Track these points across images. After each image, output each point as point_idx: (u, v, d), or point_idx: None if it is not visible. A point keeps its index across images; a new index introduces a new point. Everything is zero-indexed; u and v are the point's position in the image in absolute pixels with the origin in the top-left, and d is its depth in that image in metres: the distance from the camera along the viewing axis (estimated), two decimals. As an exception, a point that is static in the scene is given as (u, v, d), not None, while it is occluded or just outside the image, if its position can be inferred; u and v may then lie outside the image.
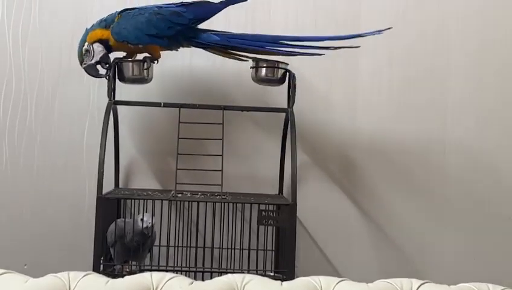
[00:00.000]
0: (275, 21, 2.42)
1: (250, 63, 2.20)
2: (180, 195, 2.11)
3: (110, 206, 2.10)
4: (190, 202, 2.21)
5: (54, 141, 2.39)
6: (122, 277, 1.63)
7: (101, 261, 2.01)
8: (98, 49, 2.11)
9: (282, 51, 2.17)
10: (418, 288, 1.64)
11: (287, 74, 2.18)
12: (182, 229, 2.28)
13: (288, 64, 2.19)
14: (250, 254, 2.20)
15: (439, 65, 2.44)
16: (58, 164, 2.39)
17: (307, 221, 2.39)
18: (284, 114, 2.20)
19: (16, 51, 2.39)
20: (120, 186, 2.35)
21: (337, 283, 1.64)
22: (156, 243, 2.20)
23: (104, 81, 2.15)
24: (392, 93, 2.44)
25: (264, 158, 2.39)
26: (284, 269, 2.04)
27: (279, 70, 2.18)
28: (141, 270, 2.05)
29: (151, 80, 2.17)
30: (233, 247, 2.23)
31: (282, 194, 2.33)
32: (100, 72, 2.15)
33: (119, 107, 2.24)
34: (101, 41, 2.10)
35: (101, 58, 2.12)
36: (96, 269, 1.94)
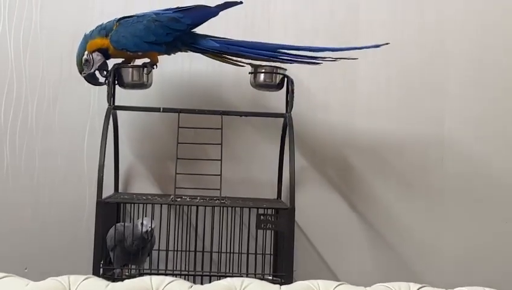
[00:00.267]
0: (274, 29, 2.43)
1: (249, 68, 2.22)
2: (179, 199, 2.12)
3: (109, 211, 2.11)
4: (189, 206, 2.22)
5: (55, 146, 2.40)
6: (122, 280, 1.64)
7: (101, 265, 2.02)
8: (97, 58, 2.12)
9: (280, 59, 2.18)
10: (415, 292, 1.65)
11: (285, 79, 2.19)
12: (181, 233, 2.28)
13: (286, 69, 2.21)
14: (248, 258, 2.21)
15: (437, 68, 2.45)
16: (59, 169, 2.40)
17: (305, 225, 2.40)
18: (282, 119, 2.21)
19: (17, 57, 2.40)
20: (120, 191, 2.36)
21: (336, 287, 1.65)
22: (156, 247, 2.21)
23: (104, 87, 2.16)
24: (390, 98, 2.44)
25: (262, 163, 2.40)
26: (283, 273, 2.05)
27: (278, 75, 2.19)
28: (141, 274, 2.07)
29: (150, 85, 2.18)
30: (232, 251, 2.23)
31: (280, 198, 2.34)
32: (100, 80, 2.17)
33: (119, 112, 2.25)
34: (100, 50, 2.12)
35: (99, 66, 2.14)
36: (96, 273, 1.95)
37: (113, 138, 2.27)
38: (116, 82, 2.15)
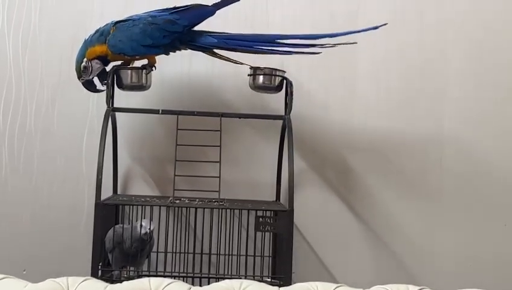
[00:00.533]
0: (273, 23, 2.43)
1: (247, 68, 2.21)
2: (178, 201, 2.12)
3: (108, 212, 2.11)
4: (188, 208, 2.22)
5: (53, 148, 2.40)
6: (121, 282, 1.64)
7: (100, 267, 2.02)
8: (96, 66, 2.13)
9: (279, 51, 2.16)
10: (414, 294, 1.65)
11: (284, 81, 2.19)
12: (180, 235, 2.28)
13: (285, 71, 2.21)
14: (247, 260, 2.21)
15: (436, 68, 2.45)
16: (58, 171, 2.40)
17: (304, 227, 2.40)
18: (281, 121, 2.22)
19: (15, 59, 2.40)
20: (118, 193, 2.36)
21: (334, 289, 1.65)
22: (154, 249, 2.21)
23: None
24: (389, 100, 2.45)
25: (261, 165, 2.40)
26: (281, 275, 2.05)
27: (277, 77, 2.20)
28: (139, 276, 2.07)
29: (149, 87, 2.18)
30: (230, 253, 2.23)
31: (279, 200, 2.34)
32: (98, 88, 2.18)
33: (118, 114, 2.25)
34: (99, 57, 2.12)
35: (98, 74, 2.14)
36: (94, 275, 1.95)
37: (111, 140, 2.27)
38: (115, 84, 2.15)
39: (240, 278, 1.73)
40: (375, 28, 2.13)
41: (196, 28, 2.16)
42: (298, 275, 2.26)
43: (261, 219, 2.02)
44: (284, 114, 2.19)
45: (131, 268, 2.13)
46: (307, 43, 2.15)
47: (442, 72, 2.45)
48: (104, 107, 2.12)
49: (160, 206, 2.13)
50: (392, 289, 1.67)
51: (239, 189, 2.36)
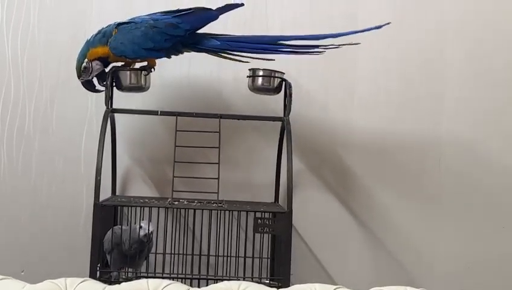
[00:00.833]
0: (272, 26, 2.43)
1: (247, 69, 2.21)
2: (176, 203, 2.12)
3: (107, 213, 2.11)
4: (186, 210, 2.22)
5: (52, 149, 2.40)
6: (119, 283, 1.64)
7: (98, 268, 2.02)
8: (96, 67, 2.13)
9: (281, 51, 2.16)
10: (412, 296, 1.66)
11: (283, 83, 2.20)
12: (179, 237, 2.28)
13: (284, 73, 2.21)
14: (246, 262, 2.21)
15: (435, 69, 2.45)
16: (56, 172, 2.40)
17: (302, 229, 2.40)
18: (280, 122, 2.22)
19: (14, 60, 2.40)
20: (117, 194, 2.36)
21: (333, 291, 1.65)
22: (153, 250, 2.21)
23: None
24: (388, 102, 2.45)
25: (260, 166, 2.40)
26: (280, 277, 2.05)
27: (276, 79, 2.20)
28: (138, 277, 2.06)
29: (148, 88, 2.18)
30: (229, 254, 2.23)
31: (278, 202, 2.34)
32: (96, 88, 2.18)
33: (117, 115, 2.25)
34: (100, 58, 2.12)
35: (98, 74, 2.15)
36: (93, 276, 1.95)
37: (110, 141, 2.27)
38: (114, 85, 2.15)
39: (239, 280, 1.73)
40: (378, 27, 2.13)
41: (198, 31, 2.16)
42: (297, 277, 2.27)
43: (259, 221, 2.02)
44: (283, 115, 2.19)
45: (130, 269, 2.13)
46: (309, 44, 2.15)
47: (442, 73, 2.45)
48: (103, 108, 2.12)
49: (158, 207, 2.14)
50: (391, 291, 1.67)
51: (238, 190, 2.36)
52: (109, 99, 2.13)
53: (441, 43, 2.46)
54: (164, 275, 2.09)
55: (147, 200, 2.20)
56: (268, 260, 2.29)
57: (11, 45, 2.40)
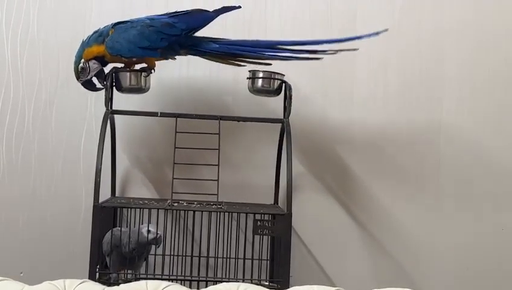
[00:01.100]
0: (271, 30, 2.43)
1: (247, 71, 2.21)
2: (176, 204, 2.12)
3: (106, 215, 2.11)
4: (186, 211, 2.22)
5: (51, 150, 2.40)
6: (118, 285, 1.64)
7: (97, 269, 2.02)
8: (94, 66, 2.13)
9: (280, 56, 2.17)
10: (412, 298, 1.65)
11: (283, 84, 2.19)
12: (178, 238, 2.28)
13: (284, 75, 2.21)
14: (245, 263, 2.21)
15: (433, 72, 2.45)
16: (55, 173, 2.40)
17: (302, 231, 2.40)
18: (280, 124, 2.21)
19: (14, 60, 2.40)
20: (116, 195, 2.35)
21: (332, 293, 1.65)
22: (152, 251, 2.20)
23: (101, 91, 2.16)
24: (388, 104, 2.45)
25: (259, 168, 2.40)
26: (279, 279, 2.05)
27: (276, 81, 2.20)
28: (137, 279, 2.06)
29: (148, 89, 2.18)
30: (228, 256, 2.23)
31: (277, 203, 2.34)
32: (97, 86, 2.17)
33: (116, 116, 2.25)
34: (97, 58, 2.12)
35: (96, 74, 2.14)
36: (92, 277, 1.95)
37: (110, 142, 2.27)
38: (114, 86, 2.15)
39: (238, 282, 1.73)
40: (377, 33, 2.14)
41: (197, 34, 2.17)
42: (296, 279, 2.27)
43: (259, 222, 2.02)
44: (282, 117, 2.18)
45: (129, 271, 2.12)
46: (308, 49, 2.16)
47: (441, 74, 2.45)
48: (103, 109, 2.12)
49: (158, 209, 2.14)
50: (390, 293, 1.67)
51: (237, 192, 2.35)
52: (109, 100, 2.13)
53: (440, 44, 2.46)
54: (163, 277, 2.08)
55: (146, 202, 2.20)
56: (268, 261, 2.28)
57: (10, 46, 2.40)
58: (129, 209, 2.25)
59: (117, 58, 2.13)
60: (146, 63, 2.16)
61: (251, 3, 2.43)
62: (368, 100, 2.44)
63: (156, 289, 1.60)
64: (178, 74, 2.38)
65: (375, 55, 2.43)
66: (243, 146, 2.42)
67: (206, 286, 1.84)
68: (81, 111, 2.40)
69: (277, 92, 2.21)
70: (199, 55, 2.22)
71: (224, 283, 1.68)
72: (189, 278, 2.14)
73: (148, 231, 2.04)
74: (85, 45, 2.13)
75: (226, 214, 2.21)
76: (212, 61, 2.26)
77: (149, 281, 1.63)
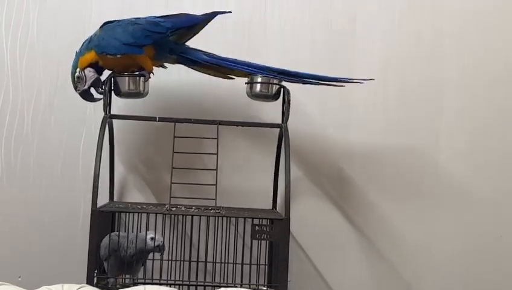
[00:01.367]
0: (271, 30, 2.44)
1: (239, 79, 2.22)
2: (174, 209, 2.12)
3: (104, 220, 2.10)
4: (184, 216, 2.22)
5: (50, 154, 2.40)
6: (116, 289, 1.64)
7: (95, 274, 2.02)
8: (90, 74, 2.13)
9: (274, 75, 2.19)
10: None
11: (282, 89, 2.20)
12: (176, 243, 2.28)
13: (282, 80, 2.21)
14: (243, 268, 2.21)
15: (433, 82, 2.45)
16: (54, 177, 2.40)
17: (300, 235, 2.40)
18: (278, 129, 2.22)
19: (13, 64, 2.40)
20: (115, 200, 2.35)
21: (330, 298, 1.65)
22: (150, 256, 2.20)
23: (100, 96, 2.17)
24: (386, 109, 2.45)
25: (258, 173, 2.40)
26: (277, 284, 2.04)
27: (274, 86, 2.20)
28: (135, 284, 2.06)
29: (146, 94, 2.18)
30: (226, 261, 2.23)
31: (275, 208, 2.34)
32: (95, 97, 2.18)
33: (115, 121, 2.25)
34: (91, 65, 2.12)
35: (92, 83, 2.14)
36: (90, 282, 1.95)
37: (108, 147, 2.27)
38: (112, 91, 2.15)
39: (236, 287, 1.73)
40: (364, 80, 2.20)
41: (192, 44, 2.20)
42: (294, 284, 2.27)
43: (257, 227, 2.02)
44: (281, 122, 2.19)
45: (127, 276, 2.12)
46: (294, 79, 2.20)
47: (440, 80, 2.46)
48: (101, 113, 2.12)
49: (156, 213, 2.14)
50: (388, 299, 1.67)
51: (235, 197, 2.36)
52: (107, 105, 2.13)
53: (439, 53, 2.46)
54: (161, 282, 2.08)
55: (144, 207, 2.20)
56: (266, 266, 2.28)
57: (10, 49, 2.40)
58: (127, 213, 2.25)
59: (108, 59, 2.12)
60: (143, 66, 2.15)
61: (251, 4, 2.44)
62: (367, 104, 2.45)
63: (154, 293, 1.60)
64: (177, 78, 2.38)
65: (374, 58, 2.43)
66: (242, 151, 2.42)
67: (204, 291, 1.85)
68: (80, 115, 2.40)
69: (275, 97, 2.21)
70: (188, 65, 2.23)
71: (223, 288, 1.68)
72: (187, 282, 2.14)
73: (152, 239, 2.04)
74: (79, 54, 2.14)
75: (224, 218, 2.21)
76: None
77: (147, 286, 1.63)
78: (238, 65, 2.20)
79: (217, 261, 2.22)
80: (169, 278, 2.19)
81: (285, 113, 2.17)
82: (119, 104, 2.23)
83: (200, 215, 2.14)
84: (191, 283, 2.14)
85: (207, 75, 2.32)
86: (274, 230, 2.03)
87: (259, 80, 2.19)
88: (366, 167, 2.44)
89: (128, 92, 2.16)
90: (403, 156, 2.45)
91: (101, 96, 2.15)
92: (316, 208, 2.43)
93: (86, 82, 2.13)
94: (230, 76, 2.27)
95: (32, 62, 2.40)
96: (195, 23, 2.17)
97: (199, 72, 2.31)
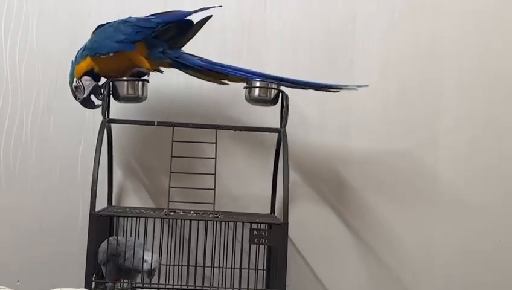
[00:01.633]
0: (271, 30, 2.44)
1: (237, 84, 2.23)
2: (172, 213, 2.12)
3: (102, 224, 2.11)
4: (182, 220, 2.22)
5: (49, 158, 2.40)
6: (114, 294, 1.64)
7: (93, 278, 2.01)
8: (87, 83, 2.13)
9: (272, 82, 2.20)
10: (407, 308, 1.66)
11: (280, 94, 2.20)
12: (174, 247, 2.28)
13: (281, 84, 2.22)
14: (241, 273, 2.21)
15: (432, 83, 2.46)
16: (52, 181, 2.40)
17: (298, 240, 2.39)
18: (276, 134, 2.22)
19: (12, 68, 2.40)
20: (113, 204, 2.35)
21: (328, 303, 1.65)
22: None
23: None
24: (385, 114, 2.45)
25: (256, 177, 2.40)
26: (275, 288, 2.04)
27: (272, 90, 2.20)
28: (133, 288, 2.06)
29: (145, 98, 2.18)
30: (225, 265, 2.23)
31: (274, 213, 2.34)
32: (96, 104, 2.18)
33: (113, 126, 2.25)
34: (87, 73, 2.13)
35: (91, 90, 2.15)
36: (88, 286, 1.94)
37: (107, 151, 2.27)
38: (110, 95, 2.16)
39: (234, 291, 1.73)
40: (357, 87, 2.21)
41: (188, 49, 2.20)
42: (292, 289, 2.27)
43: (255, 232, 2.01)
44: (279, 127, 2.19)
45: (125, 280, 2.12)
46: (290, 86, 2.21)
47: (439, 81, 2.46)
48: (100, 117, 2.12)
49: (154, 218, 2.13)
50: (386, 304, 1.67)
51: (234, 201, 2.36)
52: (106, 109, 2.13)
53: (439, 54, 2.46)
54: (160, 286, 2.08)
55: (142, 211, 2.20)
56: (264, 271, 2.28)
57: (9, 53, 2.40)
58: (125, 218, 2.25)
59: (100, 61, 2.11)
60: (137, 64, 2.15)
61: (250, 4, 2.44)
62: (366, 109, 2.44)
63: (151, 298, 1.60)
64: (175, 83, 2.38)
65: (373, 58, 2.44)
66: (240, 155, 2.42)
67: (202, 296, 1.85)
68: (79, 118, 2.39)
69: (274, 101, 2.21)
70: (183, 70, 2.24)
71: (221, 293, 1.68)
72: (185, 287, 2.14)
73: (144, 261, 2.01)
74: (74, 63, 2.15)
75: (223, 223, 2.21)
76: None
77: (145, 291, 1.63)
78: (233, 71, 2.20)
79: (215, 265, 2.21)
80: (167, 283, 2.19)
81: (283, 118, 2.18)
82: (117, 109, 2.23)
83: (198, 220, 2.14)
84: (189, 288, 2.14)
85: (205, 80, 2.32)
86: (272, 235, 2.03)
87: (257, 84, 2.20)
88: (365, 172, 2.44)
89: (127, 97, 2.16)
90: (402, 160, 2.45)
91: (100, 101, 2.15)
92: (315, 212, 2.43)
93: (84, 91, 2.14)
94: (225, 82, 2.27)
95: (31, 66, 2.40)
96: (183, 17, 2.18)
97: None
